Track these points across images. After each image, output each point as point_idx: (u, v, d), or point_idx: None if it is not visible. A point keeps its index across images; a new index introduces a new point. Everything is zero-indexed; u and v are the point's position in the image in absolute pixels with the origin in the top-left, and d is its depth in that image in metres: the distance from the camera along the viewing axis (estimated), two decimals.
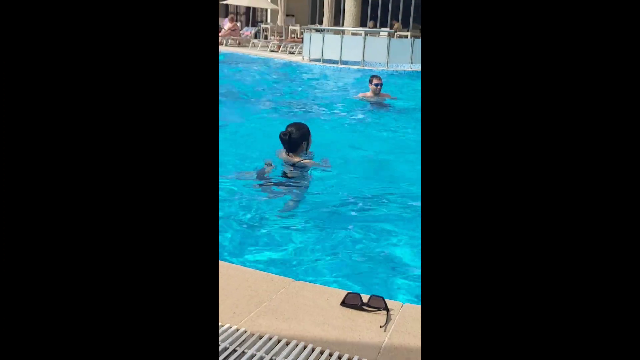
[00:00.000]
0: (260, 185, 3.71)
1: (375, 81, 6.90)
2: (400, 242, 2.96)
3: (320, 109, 7.42)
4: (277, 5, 18.60)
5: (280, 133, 3.75)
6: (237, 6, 21.82)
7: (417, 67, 11.48)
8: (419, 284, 2.53)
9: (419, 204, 3.57)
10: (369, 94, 6.97)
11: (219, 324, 1.71)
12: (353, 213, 3.37)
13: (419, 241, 2.95)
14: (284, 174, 3.76)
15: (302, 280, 2.10)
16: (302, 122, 4.03)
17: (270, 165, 3.78)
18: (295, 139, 3.73)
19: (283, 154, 3.84)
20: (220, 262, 2.20)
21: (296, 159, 3.79)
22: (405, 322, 1.79)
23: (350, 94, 8.58)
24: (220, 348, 1.56)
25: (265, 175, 3.78)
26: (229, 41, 17.12)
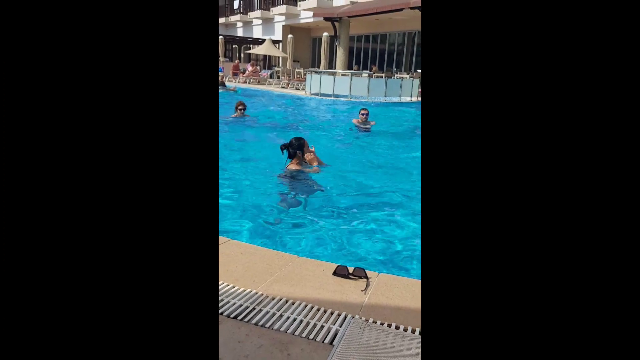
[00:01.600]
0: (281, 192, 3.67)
1: (363, 112, 7.12)
2: (380, 228, 2.95)
3: (319, 128, 7.48)
4: (287, 54, 18.65)
5: (280, 145, 3.73)
6: (257, 54, 21.81)
7: (390, 99, 11.56)
8: (391, 258, 2.52)
9: (393, 199, 3.56)
10: (359, 120, 7.16)
11: (243, 288, 1.70)
12: (344, 207, 3.36)
13: (394, 226, 2.95)
14: (291, 180, 3.73)
15: (304, 256, 2.09)
16: (300, 135, 3.99)
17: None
18: (291, 149, 3.70)
19: (289, 165, 3.80)
20: (243, 243, 2.19)
21: (296, 167, 3.76)
22: (380, 287, 1.78)
23: (341, 117, 8.66)
24: (242, 307, 1.56)
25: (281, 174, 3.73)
26: (251, 80, 17.09)
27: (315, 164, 3.77)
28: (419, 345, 1.32)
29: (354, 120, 7.29)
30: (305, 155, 3.73)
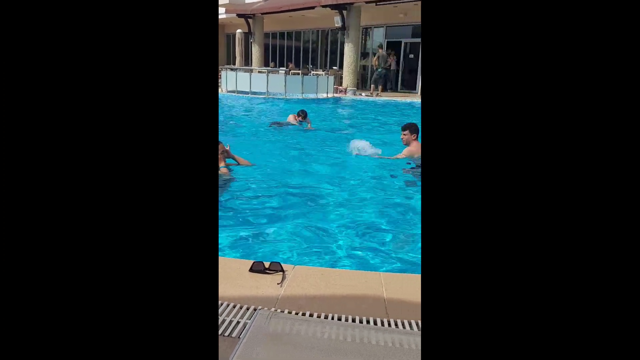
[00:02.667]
0: None
1: (301, 114, 6.88)
2: (300, 222, 3.01)
3: (241, 127, 7.35)
4: None
5: None
6: None
7: (307, 95, 11.71)
8: (309, 250, 2.60)
9: (315, 194, 3.64)
10: (295, 119, 6.94)
11: None
12: (263, 203, 3.37)
13: (315, 219, 3.02)
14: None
15: (220, 255, 2.08)
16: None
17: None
18: None
19: None
20: None
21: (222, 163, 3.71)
22: (296, 279, 1.83)
23: (259, 115, 8.60)
24: None
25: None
26: None
27: (223, 164, 3.70)
28: (330, 329, 1.39)
29: (291, 118, 7.04)
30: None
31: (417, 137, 4.44)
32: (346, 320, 1.52)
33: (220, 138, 3.85)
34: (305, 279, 1.84)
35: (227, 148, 3.81)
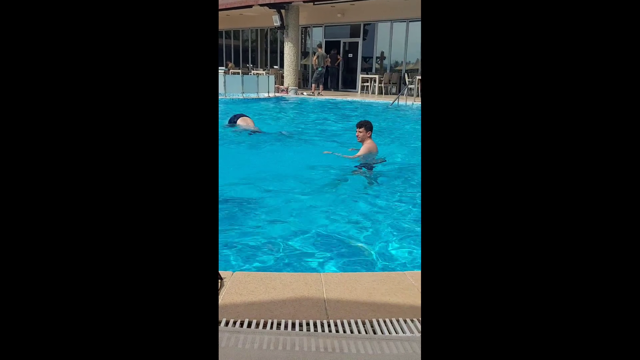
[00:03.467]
0: None
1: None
2: (245, 225, 2.93)
3: None
4: None
5: None
6: None
7: (248, 95, 11.52)
8: (248, 255, 2.54)
9: (259, 196, 3.57)
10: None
11: None
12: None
13: (260, 222, 2.95)
14: None
15: None
16: None
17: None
18: None
19: None
20: None
21: None
22: (235, 285, 1.77)
23: None
24: None
25: None
26: None
27: None
28: (265, 338, 1.35)
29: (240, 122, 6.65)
30: None
31: (371, 134, 4.42)
32: (285, 326, 1.49)
33: None
34: (244, 286, 1.78)
35: None
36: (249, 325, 1.49)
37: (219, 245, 2.60)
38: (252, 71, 14.68)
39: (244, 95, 11.62)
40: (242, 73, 12.74)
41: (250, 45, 17.77)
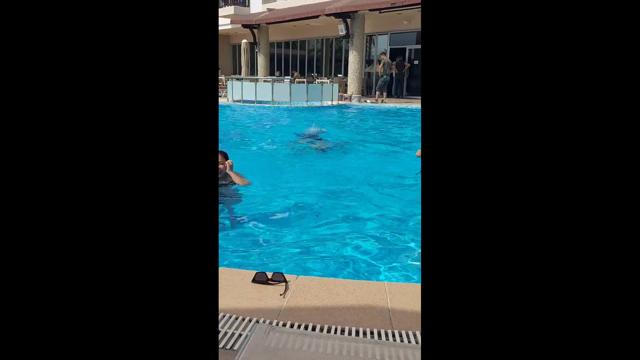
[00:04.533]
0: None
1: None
2: (310, 231, 2.98)
3: (243, 135, 7.34)
4: None
5: None
6: None
7: (312, 103, 11.73)
8: (312, 260, 2.57)
9: (317, 208, 3.62)
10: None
11: None
12: (266, 215, 3.35)
13: (318, 230, 3.00)
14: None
15: (223, 267, 2.05)
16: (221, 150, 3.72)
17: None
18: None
19: None
20: None
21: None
22: (299, 289, 1.80)
23: (264, 122, 8.56)
24: None
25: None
26: None
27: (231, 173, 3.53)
28: (330, 343, 1.36)
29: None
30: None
31: None
32: (349, 333, 1.48)
33: (227, 148, 3.82)
34: (308, 290, 1.80)
35: (231, 163, 3.61)
36: (313, 329, 1.50)
37: (285, 248, 2.66)
38: (317, 80, 14.92)
39: (309, 103, 11.84)
40: (307, 82, 13.00)
41: (315, 55, 18.10)
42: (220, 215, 3.19)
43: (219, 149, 3.51)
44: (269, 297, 1.73)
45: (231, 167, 3.52)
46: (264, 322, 1.51)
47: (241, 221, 3.12)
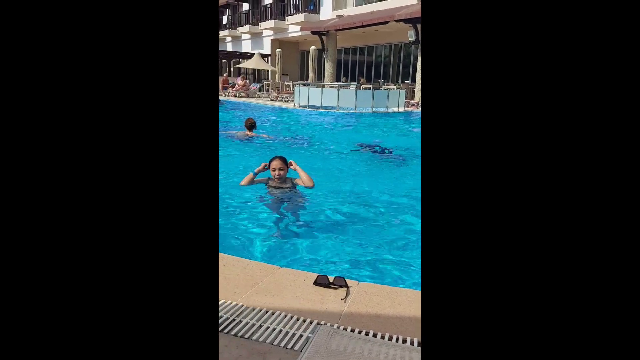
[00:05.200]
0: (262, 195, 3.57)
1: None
2: (372, 237, 2.96)
3: (306, 139, 7.46)
4: (276, 68, 18.76)
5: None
6: (246, 68, 21.90)
7: (377, 109, 11.66)
8: (373, 266, 2.54)
9: (378, 213, 3.58)
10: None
11: (223, 300, 1.70)
12: (328, 219, 3.37)
13: (373, 236, 2.97)
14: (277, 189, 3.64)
15: (285, 267, 2.10)
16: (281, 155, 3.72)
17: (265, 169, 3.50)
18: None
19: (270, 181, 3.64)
20: (224, 255, 2.19)
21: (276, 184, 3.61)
22: (360, 295, 1.79)
23: (328, 127, 8.62)
24: (222, 319, 1.56)
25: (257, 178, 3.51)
26: (241, 94, 17.11)
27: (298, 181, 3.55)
28: (393, 352, 1.33)
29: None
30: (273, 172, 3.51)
31: None
32: (411, 343, 1.45)
33: (290, 152, 3.89)
34: (369, 297, 1.79)
35: (292, 162, 3.64)
36: (375, 335, 1.49)
37: (345, 255, 2.66)
38: (383, 86, 14.81)
39: (374, 109, 11.76)
40: (373, 88, 12.93)
41: (382, 61, 17.99)
42: (282, 218, 3.26)
43: (278, 155, 3.57)
44: (330, 300, 1.73)
45: (295, 165, 3.54)
46: (325, 324, 1.51)
47: (302, 225, 3.16)
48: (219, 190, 3.81)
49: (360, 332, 1.50)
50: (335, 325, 1.53)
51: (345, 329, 1.48)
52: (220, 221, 3.16)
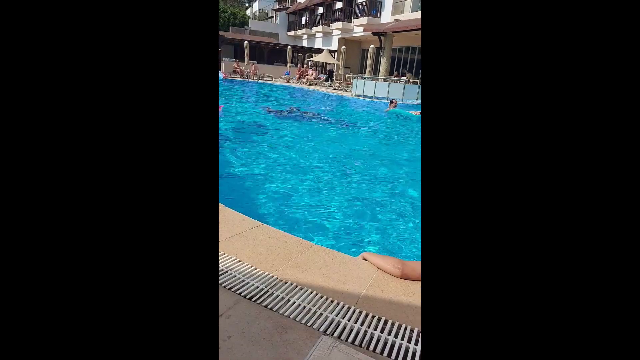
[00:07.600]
0: None
1: (394, 102, 8.14)
2: (388, 220, 2.75)
3: (360, 120, 7.29)
4: (340, 62, 18.29)
5: None
6: (317, 61, 21.49)
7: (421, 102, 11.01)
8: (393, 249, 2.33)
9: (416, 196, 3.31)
10: (390, 107, 7.84)
11: (262, 271, 1.60)
12: (364, 196, 3.17)
13: (403, 219, 2.73)
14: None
15: (318, 244, 1.96)
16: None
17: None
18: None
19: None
20: (271, 228, 2.08)
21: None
22: (380, 280, 1.62)
23: (379, 112, 8.53)
24: (258, 289, 1.46)
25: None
26: (310, 82, 16.87)
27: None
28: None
29: (386, 109, 7.84)
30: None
31: None
32: (411, 331, 1.26)
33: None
34: (387, 283, 1.60)
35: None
36: (385, 323, 1.31)
37: (375, 237, 2.46)
38: None
39: (418, 101, 11.21)
40: (420, 83, 12.16)
41: None
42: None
43: None
44: (352, 282, 1.57)
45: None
46: (326, 335, 1.30)
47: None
48: (277, 165, 3.75)
49: (372, 317, 1.33)
50: (352, 309, 1.37)
51: (347, 340, 1.24)
52: (268, 192, 3.07)
